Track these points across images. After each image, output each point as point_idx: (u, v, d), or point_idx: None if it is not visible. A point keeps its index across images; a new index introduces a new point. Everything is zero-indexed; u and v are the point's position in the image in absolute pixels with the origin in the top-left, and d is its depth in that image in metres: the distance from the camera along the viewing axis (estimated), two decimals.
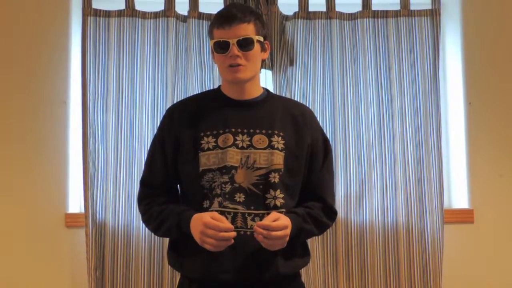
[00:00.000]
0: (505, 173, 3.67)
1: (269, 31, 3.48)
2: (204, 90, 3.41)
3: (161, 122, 2.59)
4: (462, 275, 3.61)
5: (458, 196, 3.73)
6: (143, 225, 2.59)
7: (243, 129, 2.42)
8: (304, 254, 2.53)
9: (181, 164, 2.47)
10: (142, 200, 2.55)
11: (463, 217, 3.66)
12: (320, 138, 2.56)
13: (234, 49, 2.39)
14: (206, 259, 2.35)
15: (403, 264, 3.49)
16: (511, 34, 3.74)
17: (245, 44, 2.40)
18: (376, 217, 3.52)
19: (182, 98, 3.39)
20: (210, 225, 2.24)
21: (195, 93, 3.23)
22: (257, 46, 2.44)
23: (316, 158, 2.53)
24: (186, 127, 2.47)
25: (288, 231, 2.30)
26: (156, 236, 3.40)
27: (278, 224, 2.26)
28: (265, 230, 2.24)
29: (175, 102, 3.29)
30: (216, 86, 3.22)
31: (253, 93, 2.51)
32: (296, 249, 2.47)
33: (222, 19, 2.42)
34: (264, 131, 2.43)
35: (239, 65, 2.40)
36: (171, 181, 2.54)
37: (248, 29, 2.42)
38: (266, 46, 2.53)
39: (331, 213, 2.56)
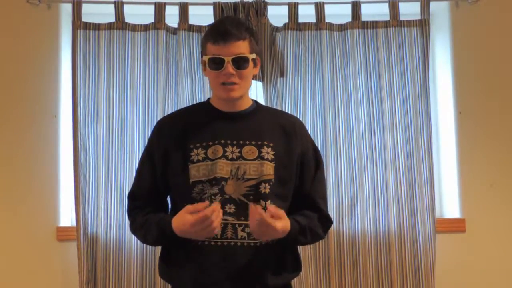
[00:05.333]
0: (495, 182, 3.68)
1: (259, 43, 3.49)
2: (194, 102, 3.40)
3: (151, 135, 2.59)
4: (455, 284, 3.61)
5: (450, 205, 3.74)
6: (135, 237, 2.60)
7: (233, 141, 2.41)
8: (296, 268, 2.52)
9: (171, 176, 2.47)
10: (130, 212, 2.56)
11: (455, 226, 3.66)
12: (310, 147, 2.56)
13: (229, 67, 2.37)
14: (196, 270, 2.35)
15: (395, 274, 3.49)
16: (500, 43, 3.76)
17: (240, 63, 2.39)
18: (368, 227, 3.52)
19: (173, 110, 3.40)
20: (198, 222, 2.21)
21: (185, 106, 3.23)
22: (251, 64, 2.44)
23: (307, 168, 2.52)
24: (176, 139, 2.46)
25: (280, 235, 2.29)
26: (148, 249, 3.42)
27: (283, 225, 2.28)
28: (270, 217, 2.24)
29: (166, 114, 3.30)
30: (206, 98, 3.23)
31: (243, 106, 2.51)
32: (287, 259, 2.47)
33: (217, 35, 2.39)
34: (253, 142, 2.42)
35: (233, 83, 2.40)
36: (160, 193, 2.54)
37: (243, 47, 2.40)
38: (257, 61, 2.52)
39: (327, 223, 2.56)
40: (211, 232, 2.25)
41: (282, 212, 2.31)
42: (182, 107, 3.28)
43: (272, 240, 2.35)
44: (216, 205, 2.23)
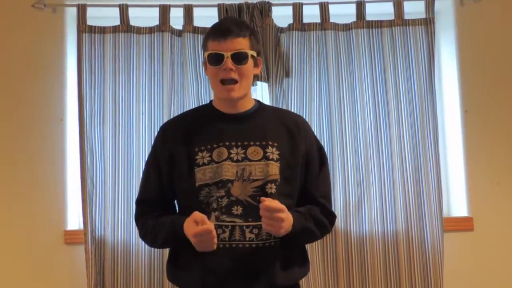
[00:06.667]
0: (502, 181, 3.67)
1: (263, 44, 3.49)
2: (199, 105, 3.39)
3: (155, 140, 2.60)
4: (463, 282, 3.60)
5: (457, 204, 3.73)
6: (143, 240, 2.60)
7: (237, 142, 2.41)
8: (303, 263, 2.52)
9: (177, 181, 2.47)
10: (139, 218, 2.56)
11: (462, 225, 3.66)
12: (314, 145, 2.56)
13: (228, 62, 2.38)
14: (204, 272, 2.36)
15: (404, 273, 3.48)
16: (506, 41, 3.75)
17: (240, 58, 2.40)
18: (376, 227, 3.51)
19: (179, 112, 3.40)
20: (201, 234, 2.23)
21: (188, 109, 3.22)
22: (250, 61, 2.44)
23: (312, 166, 2.52)
24: (180, 143, 2.46)
25: (287, 221, 2.29)
26: (156, 252, 3.41)
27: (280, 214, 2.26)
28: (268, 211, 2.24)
29: (172, 116, 3.30)
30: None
31: (245, 106, 2.51)
32: (295, 258, 2.47)
33: (217, 32, 2.42)
34: (258, 143, 2.42)
35: (232, 79, 2.39)
36: (167, 197, 2.54)
37: (243, 43, 2.41)
38: (258, 61, 2.52)
39: (330, 216, 2.55)
40: (210, 247, 2.27)
41: (276, 203, 2.27)
42: (188, 109, 3.27)
43: (286, 236, 2.34)
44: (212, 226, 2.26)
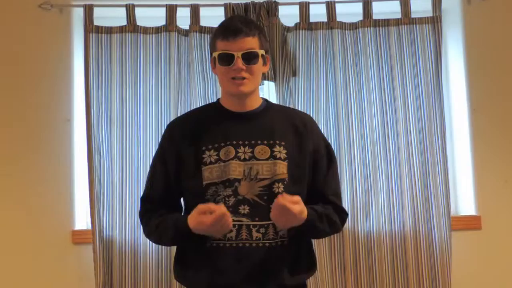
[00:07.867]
0: (510, 179, 3.66)
1: (270, 44, 3.49)
2: (205, 104, 3.40)
3: (162, 139, 2.59)
4: (471, 281, 3.59)
5: (465, 202, 3.72)
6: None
7: (245, 141, 2.41)
8: (311, 264, 2.52)
9: (184, 179, 2.47)
10: (143, 215, 2.55)
11: (470, 223, 3.65)
12: (322, 144, 2.55)
13: (239, 62, 2.37)
14: (211, 272, 2.36)
15: (411, 272, 3.47)
16: None
17: (250, 58, 2.40)
18: (383, 225, 3.51)
19: (186, 111, 3.40)
20: (216, 221, 2.23)
21: (195, 107, 3.22)
22: (260, 60, 2.44)
23: (320, 165, 2.51)
24: (187, 142, 2.46)
25: (298, 221, 2.30)
26: (164, 251, 3.42)
27: (300, 209, 2.28)
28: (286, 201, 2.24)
29: (178, 116, 3.30)
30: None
31: (253, 105, 2.50)
32: (303, 258, 2.47)
33: (226, 31, 2.41)
34: (265, 142, 2.42)
35: (243, 78, 2.40)
36: (172, 196, 2.53)
37: (252, 43, 2.41)
38: (266, 59, 2.52)
39: (342, 214, 2.55)
40: (228, 227, 2.27)
41: (297, 198, 2.28)
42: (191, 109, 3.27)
43: (293, 231, 2.36)
44: (223, 205, 2.27)
